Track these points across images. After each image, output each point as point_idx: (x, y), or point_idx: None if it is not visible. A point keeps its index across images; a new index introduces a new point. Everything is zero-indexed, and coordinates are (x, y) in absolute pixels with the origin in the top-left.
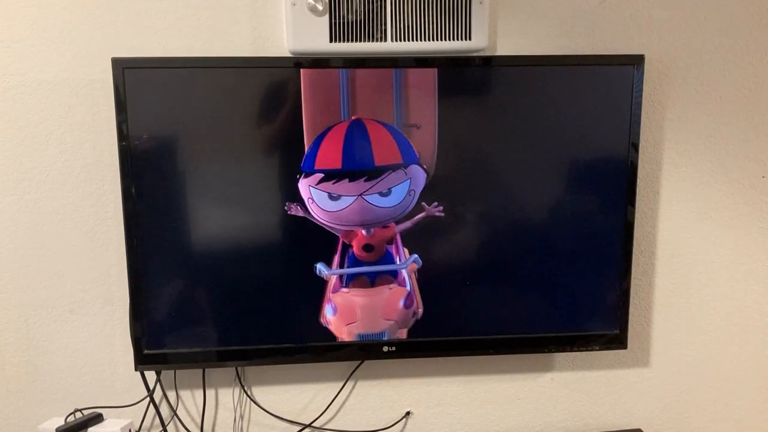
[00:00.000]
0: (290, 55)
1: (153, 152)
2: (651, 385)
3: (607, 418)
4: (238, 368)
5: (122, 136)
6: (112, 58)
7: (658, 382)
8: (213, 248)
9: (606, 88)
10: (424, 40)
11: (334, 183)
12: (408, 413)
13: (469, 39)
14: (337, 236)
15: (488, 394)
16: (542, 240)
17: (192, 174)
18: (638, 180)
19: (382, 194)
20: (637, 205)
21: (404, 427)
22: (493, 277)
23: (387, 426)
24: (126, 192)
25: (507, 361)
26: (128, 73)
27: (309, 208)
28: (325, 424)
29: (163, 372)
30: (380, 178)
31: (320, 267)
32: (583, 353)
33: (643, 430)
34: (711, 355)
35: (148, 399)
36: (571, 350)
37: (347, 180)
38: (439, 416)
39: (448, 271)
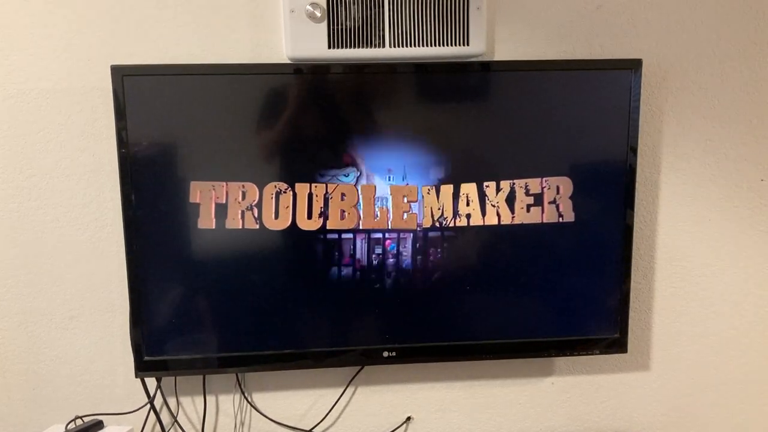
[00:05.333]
0: (289, 62)
1: (153, 159)
2: (651, 389)
3: (607, 423)
4: (239, 374)
5: (122, 143)
6: (111, 66)
7: (658, 386)
8: (213, 255)
9: (604, 93)
10: (423, 45)
11: None
12: (409, 418)
13: (467, 45)
14: None
15: (489, 398)
16: (542, 244)
17: (192, 181)
18: (637, 184)
19: None
20: (636, 208)
21: (406, 431)
22: (493, 282)
23: (388, 431)
24: (126, 199)
25: (507, 365)
26: (127, 81)
27: None
28: (326, 429)
29: (163, 378)
30: None
31: None
32: (584, 357)
33: None
34: (711, 359)
35: (148, 406)
36: (572, 354)
37: None
38: (439, 421)
39: (449, 276)
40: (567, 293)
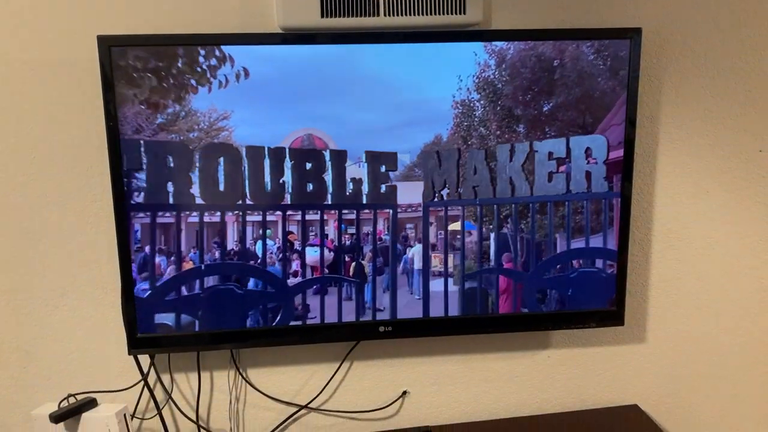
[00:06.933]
0: (280, 31)
1: (141, 132)
2: (647, 361)
3: (603, 394)
4: (233, 350)
5: (110, 116)
6: (97, 36)
7: (654, 357)
8: (205, 228)
9: (602, 63)
10: (418, 14)
11: None
12: (405, 393)
13: (464, 13)
14: None
15: (485, 372)
16: (538, 216)
17: (181, 153)
18: (635, 155)
19: None
20: (633, 180)
21: (401, 406)
22: (489, 256)
23: (384, 405)
24: (115, 173)
25: (503, 339)
26: (114, 52)
27: None
28: (322, 404)
29: (157, 355)
30: None
31: None
32: (580, 330)
33: (639, 405)
34: (707, 331)
35: (142, 383)
36: (569, 327)
37: None
38: (435, 395)
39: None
40: (564, 265)
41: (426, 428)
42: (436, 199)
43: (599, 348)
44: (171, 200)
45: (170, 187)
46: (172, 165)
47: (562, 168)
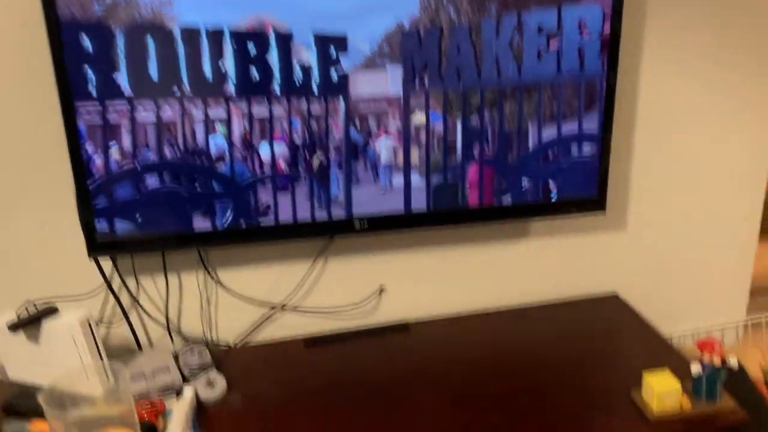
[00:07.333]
0: None
1: (85, 14)
2: (627, 248)
3: (582, 283)
4: (200, 250)
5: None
6: None
7: (634, 245)
8: (160, 120)
9: None
10: None
11: None
12: (381, 288)
13: None
14: None
15: (463, 264)
16: (520, 102)
17: (104, 35)
18: (621, 33)
19: None
20: (618, 61)
21: (378, 302)
22: (469, 142)
23: (360, 301)
24: (58, 64)
25: (482, 229)
26: None
27: None
28: (298, 303)
29: (120, 258)
30: None
31: None
32: (559, 219)
33: (618, 293)
34: (686, 217)
35: (105, 287)
36: (551, 215)
37: None
38: (413, 290)
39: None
40: (545, 152)
41: (404, 324)
42: (417, 87)
43: (578, 237)
44: (97, 92)
45: (94, 75)
46: (91, 51)
47: (553, 45)
